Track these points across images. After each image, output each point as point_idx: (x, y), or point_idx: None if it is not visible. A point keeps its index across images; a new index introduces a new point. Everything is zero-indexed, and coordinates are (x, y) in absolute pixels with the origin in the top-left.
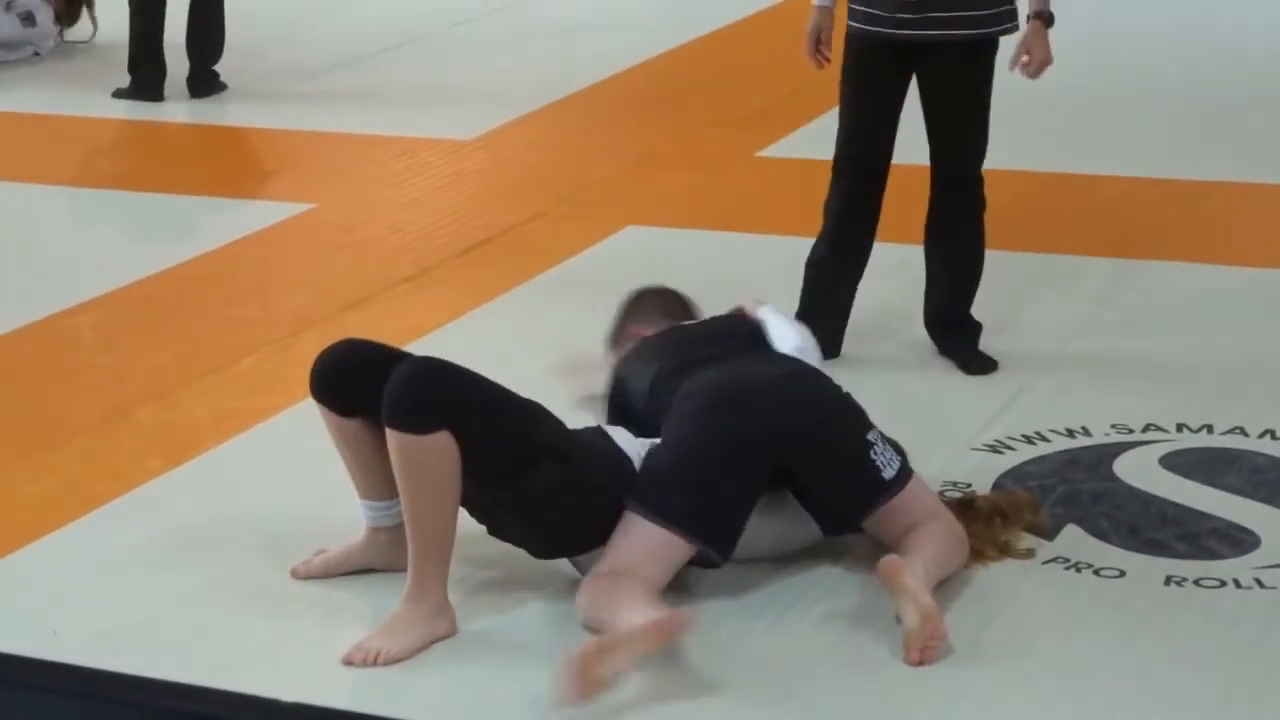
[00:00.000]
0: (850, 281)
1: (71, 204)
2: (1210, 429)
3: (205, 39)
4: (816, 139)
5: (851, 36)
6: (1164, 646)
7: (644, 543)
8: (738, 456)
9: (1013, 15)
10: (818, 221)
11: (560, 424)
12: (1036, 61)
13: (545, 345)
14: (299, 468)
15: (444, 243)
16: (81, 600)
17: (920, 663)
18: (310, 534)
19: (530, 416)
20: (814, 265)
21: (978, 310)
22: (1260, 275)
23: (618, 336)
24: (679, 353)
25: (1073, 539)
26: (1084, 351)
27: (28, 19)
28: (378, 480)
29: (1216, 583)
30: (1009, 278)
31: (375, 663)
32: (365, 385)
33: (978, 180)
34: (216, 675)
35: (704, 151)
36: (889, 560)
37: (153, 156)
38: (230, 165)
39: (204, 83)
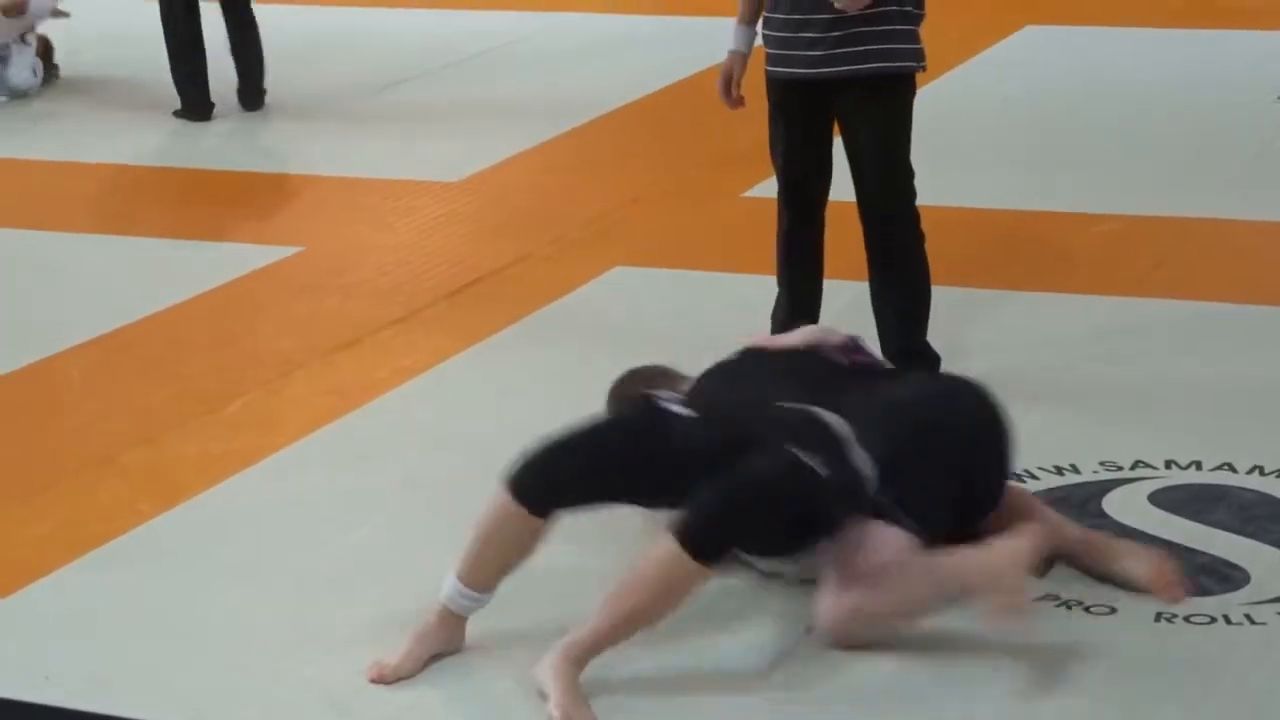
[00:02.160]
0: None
1: (58, 248)
2: (1198, 465)
3: (249, 57)
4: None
5: (770, 81)
6: (1154, 683)
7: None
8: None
9: (920, 54)
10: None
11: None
12: None
13: (536, 386)
14: (289, 509)
15: (433, 284)
16: (73, 644)
17: (1179, 595)
18: (300, 575)
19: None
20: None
21: (963, 346)
22: (1246, 311)
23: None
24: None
25: (1063, 576)
26: (1071, 389)
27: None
28: (496, 573)
29: (1207, 619)
30: (994, 315)
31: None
32: (573, 491)
33: (909, 212)
34: (208, 717)
35: (690, 192)
36: (1085, 546)
37: (141, 200)
38: (219, 208)
39: (256, 96)
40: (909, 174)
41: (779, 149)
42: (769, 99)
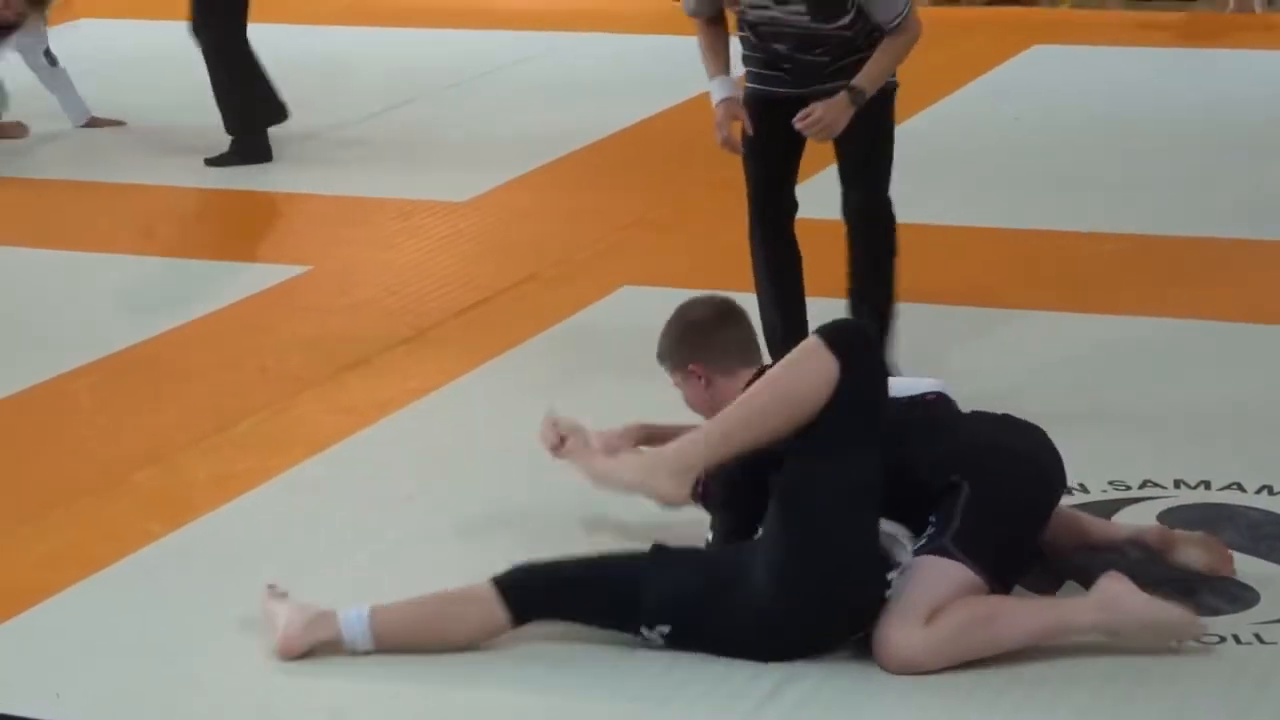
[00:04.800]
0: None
1: (68, 268)
2: (1208, 485)
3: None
4: (807, 198)
5: (750, 98)
6: (1164, 702)
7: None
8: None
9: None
10: (811, 279)
11: None
12: (819, 122)
13: (544, 406)
14: (299, 529)
15: (440, 304)
16: (82, 663)
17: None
18: (311, 594)
19: None
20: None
21: (973, 364)
22: (1254, 330)
23: (675, 363)
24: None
25: (1072, 593)
26: (1079, 408)
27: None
28: None
29: (1216, 639)
30: (1004, 333)
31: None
32: None
33: (891, 218)
34: None
35: (696, 212)
36: (1151, 530)
37: (148, 219)
38: (226, 228)
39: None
40: (889, 178)
41: (755, 161)
42: (748, 115)
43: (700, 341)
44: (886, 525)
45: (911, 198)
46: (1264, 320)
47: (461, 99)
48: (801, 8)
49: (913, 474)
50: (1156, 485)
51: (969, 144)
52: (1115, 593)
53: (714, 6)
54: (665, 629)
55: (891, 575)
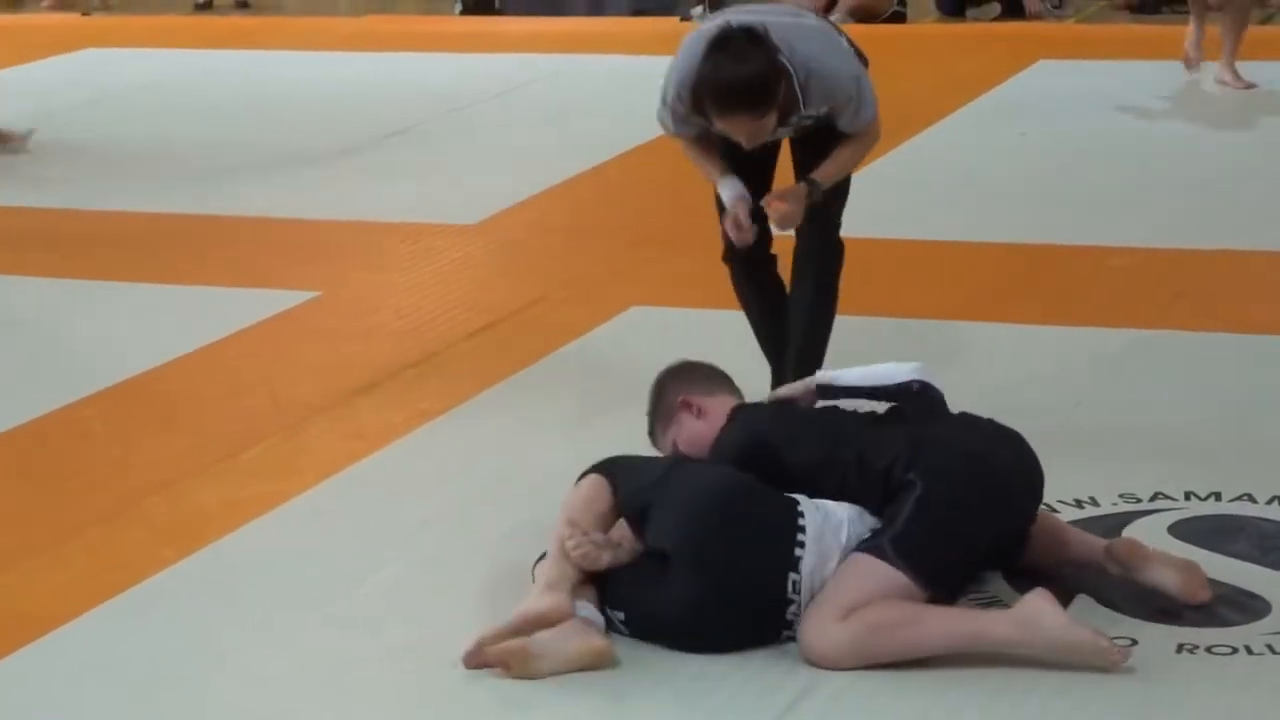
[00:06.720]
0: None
1: (78, 296)
2: (1218, 496)
3: None
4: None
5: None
6: (1177, 714)
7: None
8: (993, 533)
9: None
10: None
11: None
12: (780, 213)
13: (555, 427)
14: (311, 554)
15: (450, 327)
16: (97, 690)
17: (1208, 599)
18: (324, 619)
19: None
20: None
21: (983, 379)
22: (1264, 341)
23: (665, 414)
24: (850, 429)
25: (1084, 608)
26: (1089, 421)
27: None
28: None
29: (1228, 649)
30: (1013, 348)
31: None
32: None
33: (836, 244)
34: None
35: (705, 232)
36: (1119, 543)
37: (158, 247)
38: (235, 254)
39: None
40: (839, 212)
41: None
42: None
43: (679, 379)
44: (841, 508)
45: (917, 213)
46: (1274, 332)
47: (469, 122)
48: (787, 131)
49: (873, 463)
50: (1167, 497)
51: (975, 159)
52: (1035, 610)
53: (697, 130)
54: (620, 615)
55: (799, 551)
